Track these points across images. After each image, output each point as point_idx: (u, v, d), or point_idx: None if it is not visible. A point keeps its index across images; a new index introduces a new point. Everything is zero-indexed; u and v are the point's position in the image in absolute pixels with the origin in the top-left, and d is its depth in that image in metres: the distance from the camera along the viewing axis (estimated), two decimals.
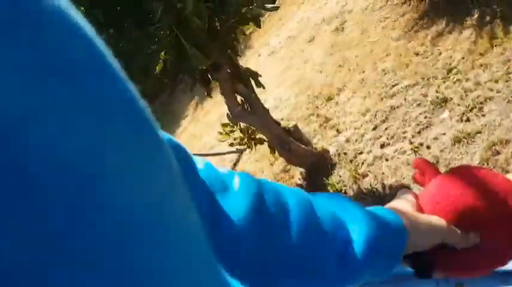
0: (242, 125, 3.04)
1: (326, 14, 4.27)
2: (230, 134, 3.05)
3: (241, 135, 3.01)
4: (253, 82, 2.79)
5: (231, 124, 3.01)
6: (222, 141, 3.15)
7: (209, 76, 2.60)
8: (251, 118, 2.85)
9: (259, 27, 2.62)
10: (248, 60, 5.52)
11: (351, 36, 3.76)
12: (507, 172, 2.08)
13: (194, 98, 6.00)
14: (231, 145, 3.06)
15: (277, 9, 2.55)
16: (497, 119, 2.28)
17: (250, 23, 2.46)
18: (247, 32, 5.62)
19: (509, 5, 2.69)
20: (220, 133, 3.06)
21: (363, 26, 3.69)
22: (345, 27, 3.89)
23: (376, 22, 3.58)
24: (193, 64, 2.24)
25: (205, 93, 2.78)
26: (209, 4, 2.16)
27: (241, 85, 2.82)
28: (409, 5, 3.41)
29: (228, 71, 2.71)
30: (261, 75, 2.76)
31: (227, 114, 2.88)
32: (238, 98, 2.87)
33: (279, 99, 4.10)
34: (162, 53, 2.15)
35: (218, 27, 2.41)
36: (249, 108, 2.88)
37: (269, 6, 2.32)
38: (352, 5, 3.96)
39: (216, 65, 2.43)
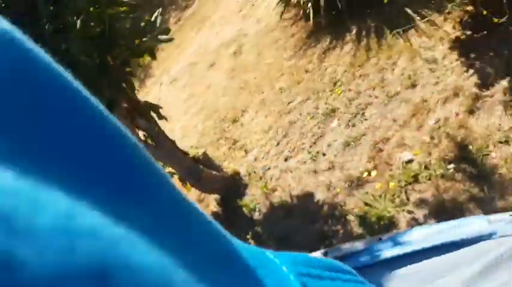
0: None
1: (224, 39, 4.59)
2: None
3: None
4: (155, 115, 2.92)
5: None
6: None
7: None
8: (157, 153, 2.97)
9: (155, 59, 2.78)
10: (150, 90, 5.63)
11: (248, 59, 4.09)
12: (390, 165, 2.47)
13: None
14: None
15: (172, 41, 2.73)
16: (378, 121, 2.69)
17: (145, 55, 2.61)
18: (146, 61, 5.76)
19: (381, 20, 3.19)
20: None
21: (258, 49, 4.05)
22: (243, 51, 4.22)
23: (270, 44, 3.96)
24: None
25: None
26: (97, 41, 2.28)
27: (142, 120, 2.94)
28: (297, 26, 3.84)
29: (126, 106, 2.82)
30: (162, 107, 2.92)
31: None
32: (141, 133, 2.98)
33: (186, 127, 4.27)
34: None
35: (111, 63, 2.53)
36: (153, 143, 3.00)
37: (163, 37, 2.49)
38: (247, 28, 4.32)
39: (110, 102, 2.53)
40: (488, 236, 0.91)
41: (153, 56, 2.59)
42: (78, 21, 1.71)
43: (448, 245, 0.92)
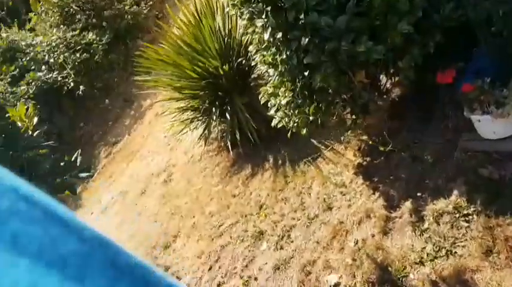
0: None
1: (154, 169, 4.39)
2: None
3: None
4: None
5: None
6: None
7: None
8: None
9: (75, 194, 2.48)
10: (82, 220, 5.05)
11: (179, 186, 3.89)
12: None
13: None
14: None
15: (92, 177, 2.49)
16: (303, 243, 2.54)
17: (66, 191, 2.31)
18: (77, 192, 5.27)
19: (293, 149, 3.25)
20: None
21: (187, 176, 3.89)
22: (172, 179, 4.03)
23: (198, 172, 3.83)
24: None
25: None
26: None
27: None
28: (221, 155, 3.81)
29: None
30: None
31: None
32: None
33: None
34: None
35: None
36: None
37: (84, 175, 2.25)
38: (175, 159, 4.20)
39: None
40: None
41: (74, 192, 2.30)
42: None
43: None
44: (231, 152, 3.57)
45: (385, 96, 2.64)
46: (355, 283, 2.15)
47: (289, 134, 2.67)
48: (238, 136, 3.40)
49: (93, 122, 6.17)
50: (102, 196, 4.97)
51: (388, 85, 2.68)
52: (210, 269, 2.80)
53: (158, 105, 4.96)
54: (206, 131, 3.67)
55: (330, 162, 2.89)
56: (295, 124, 2.47)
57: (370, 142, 2.64)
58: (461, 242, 1.95)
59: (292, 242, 2.59)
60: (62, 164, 2.17)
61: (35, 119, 2.16)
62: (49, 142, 2.14)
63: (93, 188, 5.33)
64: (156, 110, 5.19)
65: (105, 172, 5.19)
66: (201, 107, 3.71)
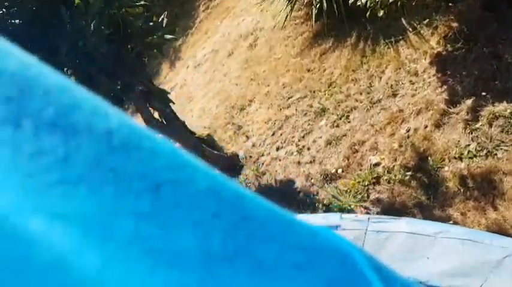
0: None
1: (243, 31, 4.85)
2: None
3: None
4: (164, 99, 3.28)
5: None
6: None
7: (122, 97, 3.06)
8: (167, 130, 3.35)
9: (162, 54, 3.12)
10: (179, 72, 6.01)
11: (261, 52, 4.35)
12: (361, 165, 2.72)
13: (129, 110, 6.40)
14: None
15: (175, 40, 3.04)
16: (358, 125, 2.92)
17: (155, 50, 2.96)
18: (177, 45, 6.14)
19: (378, 28, 3.36)
20: None
21: (271, 43, 4.30)
22: (257, 44, 4.48)
23: (281, 40, 4.19)
24: (103, 88, 2.71)
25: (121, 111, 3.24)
26: (114, 36, 2.64)
27: (156, 102, 3.31)
28: (306, 25, 4.05)
29: (142, 89, 3.19)
30: (169, 93, 3.27)
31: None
32: (157, 113, 3.36)
33: (203, 109, 4.62)
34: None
35: (127, 55, 2.90)
36: (164, 122, 3.38)
37: (168, 37, 2.82)
38: (263, 23, 4.55)
39: (125, 87, 2.91)
40: (335, 228, 1.20)
41: (161, 51, 2.93)
42: (92, 24, 2.05)
43: None
44: (316, 22, 3.78)
45: None
46: (393, 166, 2.55)
47: (368, 14, 2.80)
48: (325, 5, 3.55)
49: None
50: (197, 51, 5.76)
51: None
52: (273, 134, 3.42)
53: None
54: None
55: (411, 47, 2.98)
56: (374, 3, 2.58)
57: (457, 31, 2.64)
58: (506, 146, 2.13)
59: (349, 122, 2.99)
60: (150, 24, 2.74)
61: None
62: (141, 2, 2.67)
63: (191, 44, 6.14)
64: None
65: (202, 27, 5.86)
66: None
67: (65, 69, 2.47)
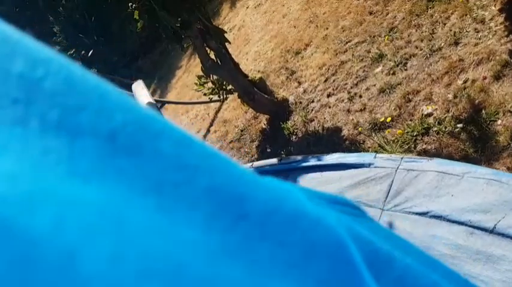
0: (214, 77, 3.77)
1: None
2: (204, 85, 3.79)
3: (213, 86, 3.75)
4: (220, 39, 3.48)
5: (204, 76, 3.75)
6: (198, 91, 3.90)
7: (181, 34, 3.30)
8: (220, 71, 3.58)
9: None
10: (238, 12, 6.14)
11: None
12: (412, 115, 2.80)
13: (189, 49, 6.69)
14: (205, 94, 3.82)
15: None
16: (415, 73, 2.96)
17: None
18: None
19: None
20: (196, 84, 3.81)
21: None
22: None
23: None
24: (164, 24, 2.96)
25: (180, 49, 3.50)
26: None
27: (213, 41, 3.52)
28: None
29: (200, 27, 3.40)
30: (226, 32, 3.46)
31: (201, 67, 3.61)
32: (213, 53, 3.58)
33: (258, 52, 4.79)
34: (136, 15, 2.87)
35: None
36: (219, 62, 3.60)
37: None
38: None
39: (185, 23, 3.13)
40: (368, 165, 1.37)
41: None
42: None
43: (343, 165, 1.40)
44: None
45: None
46: (445, 117, 2.61)
47: None
48: None
49: None
50: None
51: None
52: (325, 80, 3.54)
53: None
54: None
55: None
56: None
57: None
58: None
59: (406, 70, 3.03)
60: None
61: None
62: None
63: None
64: None
65: None
66: None
67: (130, 4, 2.73)
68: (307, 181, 1.40)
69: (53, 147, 0.16)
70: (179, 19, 3.17)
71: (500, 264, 1.12)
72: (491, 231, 1.21)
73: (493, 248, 1.18)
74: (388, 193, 1.43)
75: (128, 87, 5.41)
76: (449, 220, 1.42)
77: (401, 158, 1.66)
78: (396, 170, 1.62)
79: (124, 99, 0.19)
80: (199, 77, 3.81)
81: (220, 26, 6.26)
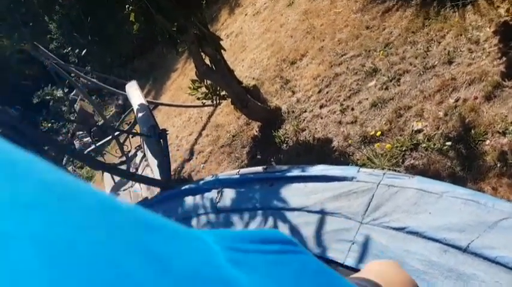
0: (208, 82, 3.82)
1: None
2: (198, 89, 3.83)
3: (207, 91, 3.79)
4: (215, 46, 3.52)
5: (198, 81, 3.79)
6: (192, 95, 3.94)
7: (177, 39, 3.35)
8: (215, 77, 3.62)
9: None
10: (236, 19, 6.21)
11: (322, 4, 4.43)
12: (402, 130, 2.85)
13: (184, 53, 6.74)
14: (198, 99, 3.86)
15: None
16: (407, 89, 3.02)
17: None
18: None
19: None
20: (189, 88, 3.85)
21: None
22: None
23: None
24: (160, 28, 3.00)
25: (175, 53, 3.54)
26: None
27: (209, 48, 3.57)
28: None
29: (196, 33, 3.45)
30: (222, 39, 3.50)
31: (195, 72, 3.66)
32: (208, 58, 3.62)
33: (254, 59, 4.84)
34: (132, 18, 2.91)
35: None
36: (214, 68, 3.64)
37: None
38: None
39: (181, 28, 3.18)
40: (350, 179, 1.41)
41: None
42: None
43: (327, 177, 1.43)
44: None
45: None
46: (434, 134, 2.66)
47: None
48: None
49: None
50: None
51: None
52: (319, 91, 3.59)
53: None
54: None
55: (477, 13, 2.97)
56: None
57: None
58: None
59: (399, 85, 3.09)
60: None
61: None
62: None
63: None
64: None
65: None
66: None
67: (127, 6, 2.77)
68: (291, 190, 1.43)
69: None
70: (175, 24, 3.21)
71: (470, 283, 1.16)
72: (465, 250, 1.25)
73: (465, 267, 1.21)
74: (368, 206, 1.47)
75: (122, 88, 5.44)
76: (425, 237, 1.46)
77: (384, 174, 1.71)
78: (378, 185, 1.66)
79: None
80: (194, 81, 3.85)
81: (218, 32, 6.32)
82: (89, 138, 7.53)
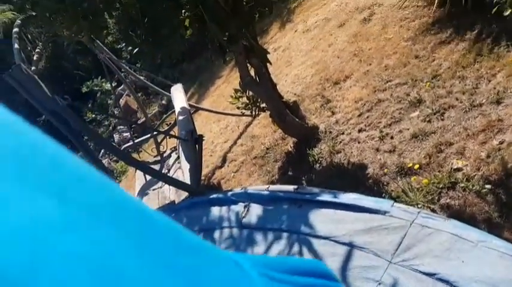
0: (250, 93, 3.83)
1: (361, 3, 4.86)
2: (239, 99, 3.85)
3: (247, 101, 3.80)
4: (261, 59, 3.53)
5: (241, 90, 3.81)
6: (232, 103, 3.96)
7: (226, 48, 3.38)
8: (257, 89, 3.63)
9: (271, 12, 3.34)
10: (286, 34, 6.22)
11: (373, 29, 4.36)
12: (441, 166, 2.75)
13: (231, 61, 6.81)
14: (238, 108, 3.87)
15: (284, 2, 3.22)
16: (451, 125, 2.91)
17: (266, 8, 3.20)
18: (292, 6, 6.30)
19: (505, 28, 3.21)
20: (231, 96, 3.88)
21: (385, 22, 4.28)
22: (371, 20, 4.49)
23: (397, 20, 4.16)
24: (212, 36, 3.04)
25: (223, 62, 3.58)
26: None
27: (255, 59, 3.59)
28: (429, 9, 3.96)
29: (246, 44, 3.48)
30: (269, 53, 3.51)
31: (239, 81, 3.68)
32: (253, 70, 3.64)
33: (298, 75, 4.82)
34: (187, 23, 2.97)
35: (242, 7, 3.17)
36: (257, 80, 3.65)
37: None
38: None
39: (231, 38, 3.21)
40: (383, 213, 1.36)
41: (270, 10, 3.16)
42: None
43: (360, 207, 1.39)
44: (438, 8, 3.69)
45: None
46: (474, 175, 2.55)
47: (494, 10, 2.71)
48: None
49: None
50: (309, 16, 5.91)
51: None
52: (359, 115, 3.52)
53: None
54: None
55: None
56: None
57: None
58: None
59: (442, 119, 2.99)
60: None
61: None
62: None
63: (306, 8, 6.28)
64: None
65: None
66: None
67: (184, 11, 2.82)
68: (320, 216, 1.40)
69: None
70: (227, 33, 3.25)
71: None
72: None
73: None
74: (399, 245, 1.41)
75: (167, 89, 5.55)
76: (455, 286, 1.39)
77: (418, 212, 1.64)
78: (411, 224, 1.60)
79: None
80: (236, 91, 3.87)
81: (266, 45, 6.35)
82: (128, 133, 7.73)
